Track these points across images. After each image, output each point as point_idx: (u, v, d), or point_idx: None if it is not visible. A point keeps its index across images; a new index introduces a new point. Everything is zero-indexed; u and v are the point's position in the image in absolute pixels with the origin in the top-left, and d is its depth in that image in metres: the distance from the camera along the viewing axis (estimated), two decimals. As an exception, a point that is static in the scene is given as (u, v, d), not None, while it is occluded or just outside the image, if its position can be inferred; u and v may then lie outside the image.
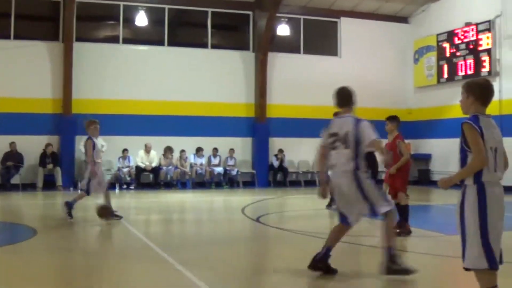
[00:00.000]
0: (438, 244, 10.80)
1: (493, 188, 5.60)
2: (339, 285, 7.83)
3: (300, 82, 26.06)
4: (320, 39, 28.12)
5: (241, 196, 21.61)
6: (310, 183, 25.53)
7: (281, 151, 24.89)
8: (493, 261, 5.43)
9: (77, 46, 23.23)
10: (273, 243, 11.20)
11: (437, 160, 26.07)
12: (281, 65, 25.98)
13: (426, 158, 27.03)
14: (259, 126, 25.21)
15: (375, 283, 7.86)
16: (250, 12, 25.98)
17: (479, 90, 5.97)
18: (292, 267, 8.79)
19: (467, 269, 5.58)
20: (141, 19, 24.28)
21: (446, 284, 8.18)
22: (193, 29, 27.35)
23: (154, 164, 23.31)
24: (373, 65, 27.59)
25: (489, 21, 23.88)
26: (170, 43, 25.14)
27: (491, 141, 5.63)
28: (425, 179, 26.43)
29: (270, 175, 25.21)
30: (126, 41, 24.66)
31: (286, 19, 26.08)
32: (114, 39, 24.59)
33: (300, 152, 25.85)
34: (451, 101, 25.36)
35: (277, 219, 14.15)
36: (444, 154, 24.88)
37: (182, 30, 27.00)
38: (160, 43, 25.00)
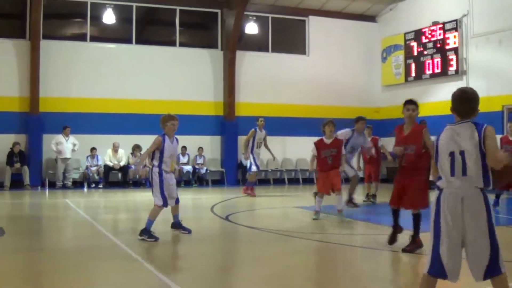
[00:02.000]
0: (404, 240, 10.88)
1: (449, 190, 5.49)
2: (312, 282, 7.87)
3: (269, 80, 26.15)
4: (288, 37, 28.23)
5: (210, 194, 21.60)
6: (279, 181, 25.60)
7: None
8: (435, 268, 5.40)
9: (44, 44, 23.05)
10: (242, 241, 11.20)
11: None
12: (250, 63, 26.03)
13: (394, 156, 27.15)
14: (228, 125, 25.23)
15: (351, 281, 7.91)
16: (218, 11, 25.96)
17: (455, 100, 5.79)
18: (262, 266, 8.81)
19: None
20: (109, 17, 24.14)
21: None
22: (161, 27, 27.29)
23: (122, 163, 23.22)
24: (341, 63, 27.75)
25: (456, 20, 24.13)
26: (138, 41, 25.05)
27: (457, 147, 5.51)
28: (393, 177, 26.56)
29: (239, 173, 25.23)
30: (94, 39, 24.50)
31: (254, 18, 26.12)
32: (81, 37, 24.41)
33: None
34: (418, 100, 25.38)
35: (246, 217, 14.16)
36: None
37: (150, 28, 26.92)
38: (128, 41, 24.90)
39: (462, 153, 5.41)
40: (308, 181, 26.33)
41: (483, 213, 5.32)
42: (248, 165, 19.54)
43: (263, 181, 25.56)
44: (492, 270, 5.30)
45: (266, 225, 12.66)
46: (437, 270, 5.37)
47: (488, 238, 5.31)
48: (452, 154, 5.46)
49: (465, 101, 5.72)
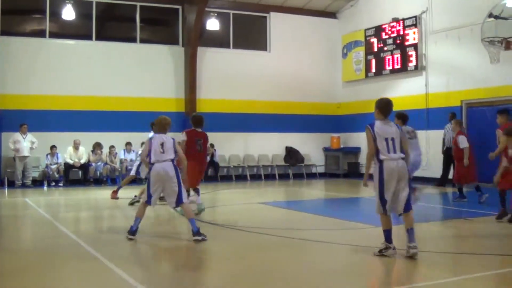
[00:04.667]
0: (366, 235, 10.97)
1: (388, 162, 8.74)
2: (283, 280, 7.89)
3: (230, 76, 26.13)
4: (249, 34, 28.24)
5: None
6: (241, 178, 25.61)
7: (212, 145, 24.82)
8: (384, 205, 8.76)
9: (2, 40, 22.74)
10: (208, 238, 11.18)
11: (366, 153, 26.43)
12: (211, 59, 25.97)
13: (355, 151, 27.43)
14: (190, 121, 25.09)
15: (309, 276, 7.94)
16: (179, 7, 25.84)
17: (378, 105, 9.11)
18: (224, 262, 8.82)
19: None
20: (68, 13, 23.84)
21: (364, 274, 8.33)
22: (122, 23, 27.08)
23: (83, 161, 22.98)
24: (302, 59, 27.85)
25: (415, 16, 24.36)
26: (99, 38, 24.80)
27: (384, 134, 8.82)
28: (354, 172, 26.83)
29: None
30: (53, 35, 24.16)
31: (216, 14, 26.06)
32: (40, 33, 24.07)
33: (231, 147, 25.94)
34: (379, 95, 25.52)
35: (209, 213, 14.13)
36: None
37: (110, 25, 26.68)
38: (88, 37, 24.63)
39: (392, 139, 8.84)
40: (270, 177, 26.40)
41: (407, 174, 8.81)
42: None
43: (225, 178, 25.57)
44: (407, 207, 8.75)
45: (228, 221, 12.69)
46: (386, 209, 8.74)
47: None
48: (386, 139, 8.82)
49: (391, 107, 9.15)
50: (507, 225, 11.82)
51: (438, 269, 8.23)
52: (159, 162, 10.43)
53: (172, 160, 10.49)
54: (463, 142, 15.91)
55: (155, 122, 11.23)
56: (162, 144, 10.53)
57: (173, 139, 10.71)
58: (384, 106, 9.02)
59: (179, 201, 10.47)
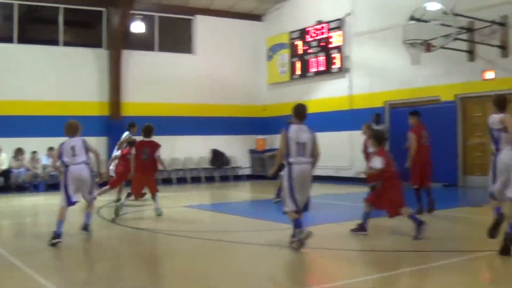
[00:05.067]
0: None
1: (297, 166, 9.39)
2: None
3: (156, 79, 25.95)
4: (175, 36, 28.10)
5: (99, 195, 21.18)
6: (167, 181, 25.44)
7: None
8: (293, 206, 9.46)
9: None
10: (129, 243, 11.07)
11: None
12: (136, 62, 25.72)
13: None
14: (114, 125, 24.80)
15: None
16: (103, 9, 25.51)
17: (294, 110, 9.80)
18: (151, 267, 8.75)
19: (284, 213, 9.61)
20: (-12, 15, 23.32)
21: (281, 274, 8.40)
22: (45, 25, 26.54)
23: (4, 167, 22.39)
24: (227, 62, 27.89)
25: (339, 19, 24.70)
26: (20, 40, 24.24)
27: (296, 139, 9.45)
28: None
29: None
30: (-28, 38, 23.60)
31: (141, 16, 25.83)
32: (-41, 36, 23.47)
33: (161, 150, 25.68)
34: (304, 97, 26.02)
35: (134, 219, 14.00)
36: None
37: (32, 27, 26.12)
38: (9, 40, 24.04)
39: (304, 143, 9.50)
40: (196, 180, 26.31)
41: (311, 177, 9.59)
42: None
43: (166, 181, 25.37)
44: (306, 207, 9.68)
45: (154, 226, 12.60)
46: (295, 206, 9.41)
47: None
48: (298, 144, 9.46)
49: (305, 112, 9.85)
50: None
51: (360, 267, 8.36)
52: (73, 165, 10.62)
53: (86, 162, 10.77)
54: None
55: (65, 125, 11.29)
56: (72, 148, 10.76)
57: (82, 140, 10.97)
58: (299, 111, 9.73)
59: (92, 200, 11.09)
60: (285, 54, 27.54)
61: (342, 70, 24.65)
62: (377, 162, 10.54)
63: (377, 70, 23.39)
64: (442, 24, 18.61)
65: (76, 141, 10.88)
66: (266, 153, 20.32)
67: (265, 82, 28.91)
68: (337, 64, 24.81)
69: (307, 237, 9.21)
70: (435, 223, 12.36)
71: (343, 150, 23.42)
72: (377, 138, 11.22)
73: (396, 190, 10.55)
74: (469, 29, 19.76)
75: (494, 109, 9.47)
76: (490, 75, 19.85)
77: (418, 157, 13.69)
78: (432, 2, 18.77)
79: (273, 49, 28.32)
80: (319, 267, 8.86)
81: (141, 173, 14.00)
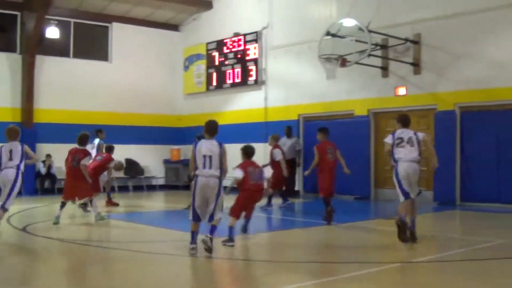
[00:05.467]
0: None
1: (201, 178, 9.77)
2: None
3: (70, 86, 25.53)
4: (91, 43, 27.70)
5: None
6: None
7: (49, 156, 24.19)
8: (194, 215, 9.80)
9: None
10: (41, 253, 10.84)
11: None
12: (50, 68, 25.24)
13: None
14: (26, 132, 24.11)
15: None
16: (18, 13, 24.93)
17: (205, 126, 10.20)
18: (61, 277, 8.60)
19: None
20: None
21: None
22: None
23: None
24: (143, 71, 27.70)
25: (256, 32, 24.91)
26: None
27: (203, 152, 9.87)
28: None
29: (37, 182, 24.37)
30: None
31: (56, 22, 25.38)
32: None
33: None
34: (220, 108, 26.17)
35: (44, 227, 13.72)
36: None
37: None
38: None
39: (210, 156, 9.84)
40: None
41: (216, 188, 9.77)
42: None
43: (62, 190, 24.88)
44: (212, 216, 9.78)
45: (68, 236, 12.37)
46: (196, 217, 9.77)
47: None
48: (204, 157, 9.83)
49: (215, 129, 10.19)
50: (331, 231, 12.30)
51: (269, 277, 8.43)
52: (6, 168, 11.30)
53: (18, 166, 11.43)
54: (277, 155, 17.76)
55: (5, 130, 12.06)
56: (10, 151, 11.44)
57: (21, 145, 11.71)
58: (210, 127, 10.16)
59: (3, 205, 11.54)
60: (201, 65, 27.58)
61: (258, 83, 24.86)
62: (238, 173, 11.28)
63: (293, 84, 23.69)
64: (357, 40, 19.03)
65: (15, 146, 11.54)
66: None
67: (181, 92, 28.86)
68: (253, 77, 25.01)
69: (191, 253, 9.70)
70: (345, 234, 12.61)
71: (257, 161, 23.54)
72: (244, 151, 11.96)
73: (248, 203, 11.49)
74: (383, 46, 20.28)
75: (398, 126, 11.74)
76: (402, 91, 20.41)
77: (323, 172, 14.50)
78: (348, 19, 19.15)
79: (190, 60, 28.31)
80: (226, 279, 8.89)
81: (72, 178, 14.31)
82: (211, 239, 9.64)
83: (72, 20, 26.41)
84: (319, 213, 14.70)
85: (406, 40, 19.88)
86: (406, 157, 11.26)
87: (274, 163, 17.62)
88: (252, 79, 25.07)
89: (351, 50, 19.13)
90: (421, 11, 19.96)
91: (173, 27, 29.04)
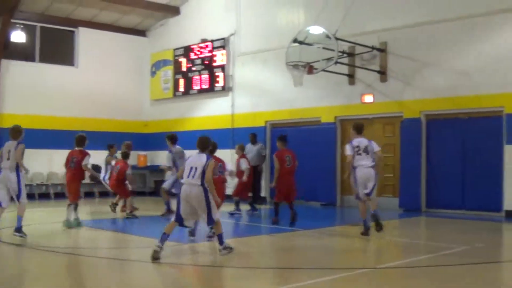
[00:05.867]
0: (174, 251, 11.03)
1: (184, 186, 10.32)
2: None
3: (36, 91, 25.32)
4: (57, 48, 27.51)
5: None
6: (44, 196, 24.81)
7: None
8: (178, 218, 10.28)
9: None
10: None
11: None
12: (16, 73, 25.01)
13: (162, 169, 27.38)
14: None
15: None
16: (-18, 17, 24.71)
17: (197, 141, 10.79)
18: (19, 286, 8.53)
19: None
20: None
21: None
22: None
23: None
24: (110, 76, 27.57)
25: (224, 38, 24.94)
26: None
27: (191, 164, 10.39)
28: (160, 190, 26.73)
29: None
30: None
31: (22, 26, 25.15)
32: None
33: (34, 164, 24.97)
34: (186, 114, 26.15)
35: (9, 234, 13.55)
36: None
37: None
38: None
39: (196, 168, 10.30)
40: (60, 195, 25.34)
41: (200, 197, 10.15)
42: None
43: (28, 196, 24.53)
44: (211, 220, 10.23)
45: (31, 242, 12.24)
46: (179, 219, 10.28)
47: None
48: (191, 168, 10.33)
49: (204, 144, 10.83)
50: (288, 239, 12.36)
51: (230, 283, 8.44)
52: (4, 169, 12.20)
53: (11, 167, 12.31)
54: (243, 164, 18.05)
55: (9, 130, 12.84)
56: (9, 152, 12.18)
57: (17, 145, 12.44)
58: (199, 143, 10.77)
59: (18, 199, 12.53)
60: (168, 70, 27.53)
61: (225, 89, 24.88)
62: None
63: (260, 90, 23.76)
64: (324, 48, 19.13)
65: (14, 146, 12.36)
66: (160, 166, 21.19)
67: (148, 98, 28.76)
68: (220, 83, 25.03)
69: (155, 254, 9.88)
70: (312, 241, 12.68)
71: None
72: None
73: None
74: (350, 54, 20.43)
75: (353, 134, 13.25)
76: (368, 98, 20.57)
77: (282, 178, 15.04)
78: (315, 26, 19.26)
79: (157, 65, 28.24)
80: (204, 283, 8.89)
81: (67, 179, 15.10)
82: (224, 248, 10.32)
83: (38, 25, 26.20)
84: (287, 219, 14.77)
85: (373, 48, 20.05)
86: (363, 164, 12.87)
87: (240, 173, 17.78)
88: (219, 85, 25.08)
89: (318, 57, 19.22)
90: (388, 20, 20.17)
91: (140, 32, 28.95)
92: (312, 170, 20.73)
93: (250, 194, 18.87)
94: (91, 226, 15.54)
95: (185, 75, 26.68)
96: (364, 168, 12.83)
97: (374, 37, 20.18)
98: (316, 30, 19.15)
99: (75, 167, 14.87)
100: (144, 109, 28.80)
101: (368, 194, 12.80)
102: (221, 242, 10.30)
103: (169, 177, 18.39)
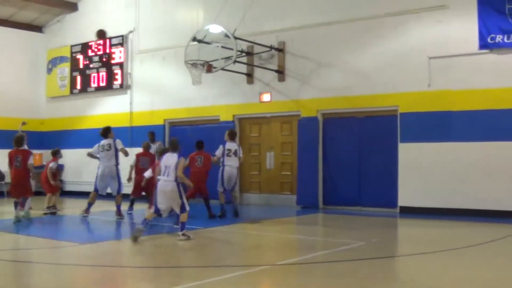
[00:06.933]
0: (72, 253, 10.89)
1: (160, 182, 12.16)
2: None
3: None
4: None
5: None
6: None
7: None
8: (156, 210, 12.23)
9: None
10: None
11: (70, 170, 26.11)
12: None
13: (59, 168, 26.85)
14: None
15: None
16: None
17: (169, 143, 13.07)
18: None
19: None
20: None
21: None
22: None
23: None
24: (5, 73, 26.84)
25: (122, 35, 24.69)
26: None
27: (165, 163, 12.23)
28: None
29: None
30: None
31: None
32: None
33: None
34: (84, 112, 25.76)
35: None
36: (76, 164, 25.09)
37: None
38: None
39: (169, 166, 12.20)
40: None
41: (173, 192, 12.06)
42: None
43: None
44: (184, 208, 12.23)
45: None
46: (157, 210, 12.19)
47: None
48: (166, 167, 12.20)
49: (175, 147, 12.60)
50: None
51: (144, 283, 8.43)
52: None
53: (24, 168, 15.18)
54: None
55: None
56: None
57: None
58: (171, 144, 12.79)
59: None
60: (65, 67, 27.04)
61: (124, 87, 24.66)
62: None
63: (158, 88, 23.67)
64: (223, 47, 19.24)
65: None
66: None
67: (44, 96, 28.15)
68: (118, 81, 24.80)
69: (137, 232, 11.88)
70: (212, 239, 12.75)
71: (123, 166, 23.35)
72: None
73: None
74: (249, 53, 20.62)
75: (227, 138, 16.84)
76: (266, 97, 20.82)
77: (191, 176, 15.74)
78: (214, 25, 19.32)
79: (53, 62, 27.68)
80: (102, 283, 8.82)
81: (15, 179, 15.58)
82: (183, 235, 12.12)
83: None
84: (200, 218, 14.79)
85: (271, 47, 20.29)
86: (231, 164, 16.64)
87: (139, 169, 17.82)
88: (117, 83, 24.84)
89: (217, 56, 19.31)
90: (286, 20, 20.46)
91: (36, 28, 28.30)
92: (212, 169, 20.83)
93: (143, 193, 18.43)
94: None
95: (82, 72, 26.27)
96: (231, 167, 16.65)
97: (273, 37, 20.44)
98: (215, 29, 19.23)
99: (21, 166, 15.39)
100: (40, 107, 28.16)
101: (231, 190, 16.87)
102: (182, 229, 12.16)
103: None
